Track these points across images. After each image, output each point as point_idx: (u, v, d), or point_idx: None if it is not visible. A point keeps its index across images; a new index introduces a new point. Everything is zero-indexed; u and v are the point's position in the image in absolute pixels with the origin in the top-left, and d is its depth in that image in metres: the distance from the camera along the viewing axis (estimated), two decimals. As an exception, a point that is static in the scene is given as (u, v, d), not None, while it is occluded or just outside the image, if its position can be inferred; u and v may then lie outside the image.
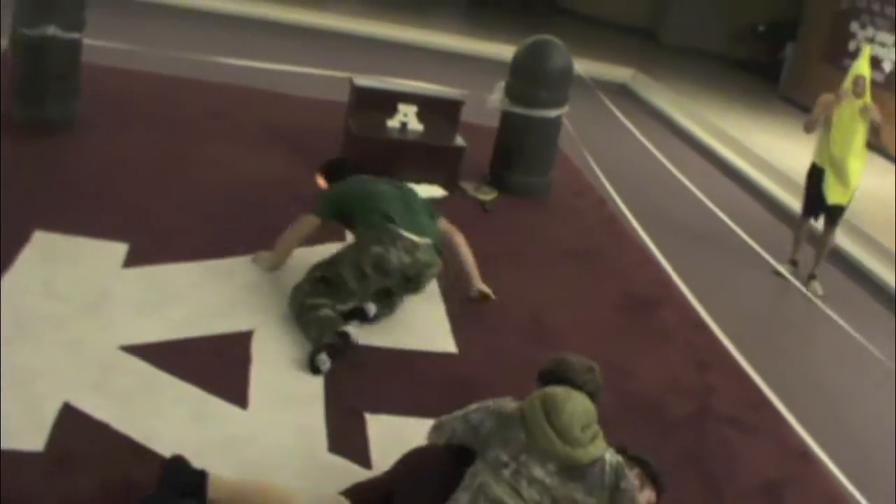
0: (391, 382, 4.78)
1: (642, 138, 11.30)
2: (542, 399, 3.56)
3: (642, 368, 5.64)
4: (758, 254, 8.45)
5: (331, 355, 4.64)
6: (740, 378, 6.03)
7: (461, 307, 5.76)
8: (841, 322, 7.57)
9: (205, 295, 5.14)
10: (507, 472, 3.36)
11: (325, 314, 4.92)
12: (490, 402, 3.73)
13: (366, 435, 4.30)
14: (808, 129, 8.66)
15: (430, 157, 7.83)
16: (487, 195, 7.97)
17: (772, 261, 8.52)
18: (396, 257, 5.12)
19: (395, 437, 4.27)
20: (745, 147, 13.01)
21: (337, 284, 5.08)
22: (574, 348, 5.55)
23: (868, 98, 8.13)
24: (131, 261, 5.33)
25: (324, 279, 5.12)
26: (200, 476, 3.41)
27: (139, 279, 5.16)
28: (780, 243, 9.31)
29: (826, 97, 8.39)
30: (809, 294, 8.16)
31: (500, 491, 3.30)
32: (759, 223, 10.37)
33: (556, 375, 3.79)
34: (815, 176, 8.49)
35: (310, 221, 5.53)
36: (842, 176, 8.24)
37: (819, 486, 5.03)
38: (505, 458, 3.41)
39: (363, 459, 4.11)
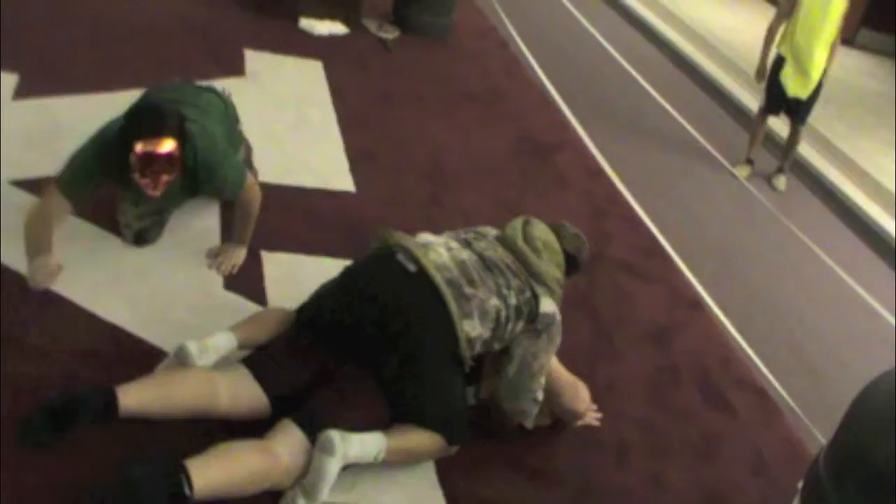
0: (287, 220, 4.76)
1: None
2: (525, 217, 3.90)
3: (539, 213, 5.62)
4: (660, 105, 8.53)
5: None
6: (636, 226, 6.15)
7: (360, 146, 5.72)
8: (739, 177, 7.74)
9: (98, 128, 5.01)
10: (466, 236, 3.77)
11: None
12: None
13: (262, 272, 4.29)
14: (774, 26, 7.92)
15: (331, -8, 7.64)
16: (389, 34, 7.86)
17: (669, 107, 8.59)
18: None
19: (290, 275, 4.29)
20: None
21: None
22: (472, 190, 5.62)
23: None
24: (21, 92, 5.16)
25: None
26: (106, 395, 3.07)
27: (29, 111, 5.01)
28: (677, 88, 9.40)
29: None
30: (739, 175, 8.14)
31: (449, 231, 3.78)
32: (663, 74, 10.44)
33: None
34: (776, 67, 7.92)
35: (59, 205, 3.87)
36: (803, 66, 7.69)
37: (706, 333, 5.20)
38: (468, 234, 3.80)
39: (258, 297, 4.11)
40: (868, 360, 5.64)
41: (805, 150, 8.76)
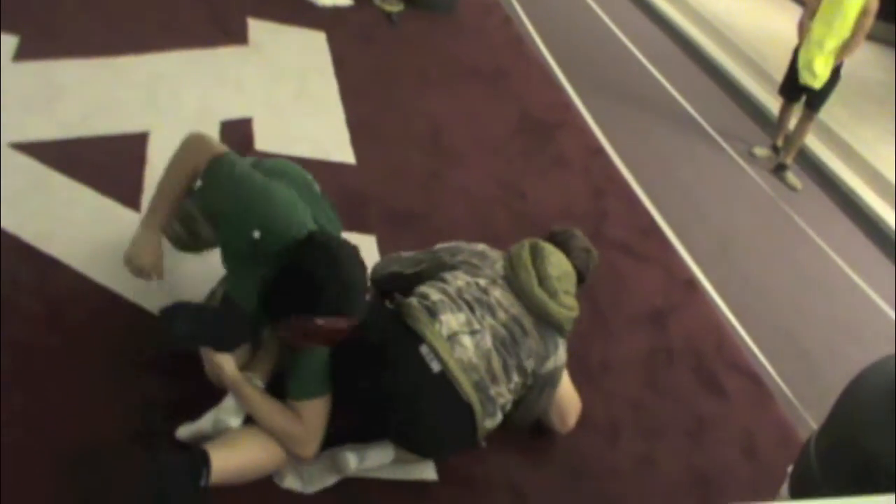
0: (288, 192, 4.75)
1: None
2: (531, 244, 3.61)
3: (538, 190, 5.70)
4: (663, 86, 8.51)
5: None
6: (634, 205, 6.15)
7: (361, 119, 5.71)
8: (738, 160, 7.74)
9: (98, 93, 4.99)
10: (479, 282, 3.46)
11: None
12: (461, 242, 3.78)
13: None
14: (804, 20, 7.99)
15: (336, -36, 7.60)
16: (394, 7, 7.81)
17: (671, 89, 8.57)
18: None
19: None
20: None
21: None
22: (473, 167, 5.61)
23: None
24: (22, 55, 5.12)
25: None
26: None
27: (30, 74, 4.97)
28: (681, 70, 9.37)
29: None
30: (757, 154, 8.19)
31: (462, 286, 3.43)
32: (667, 56, 10.42)
33: (553, 239, 3.80)
34: (796, 54, 8.04)
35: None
36: (814, 56, 7.75)
37: (702, 315, 5.22)
38: (480, 277, 3.49)
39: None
40: (861, 347, 5.68)
41: (806, 137, 8.78)
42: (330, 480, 3.16)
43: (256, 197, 3.05)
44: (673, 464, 3.98)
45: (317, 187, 3.47)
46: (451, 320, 3.26)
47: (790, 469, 2.68)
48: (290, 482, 3.11)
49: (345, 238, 3.21)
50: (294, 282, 2.88)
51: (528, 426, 3.69)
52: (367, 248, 4.22)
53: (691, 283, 5.51)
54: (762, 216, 7.27)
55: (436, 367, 3.13)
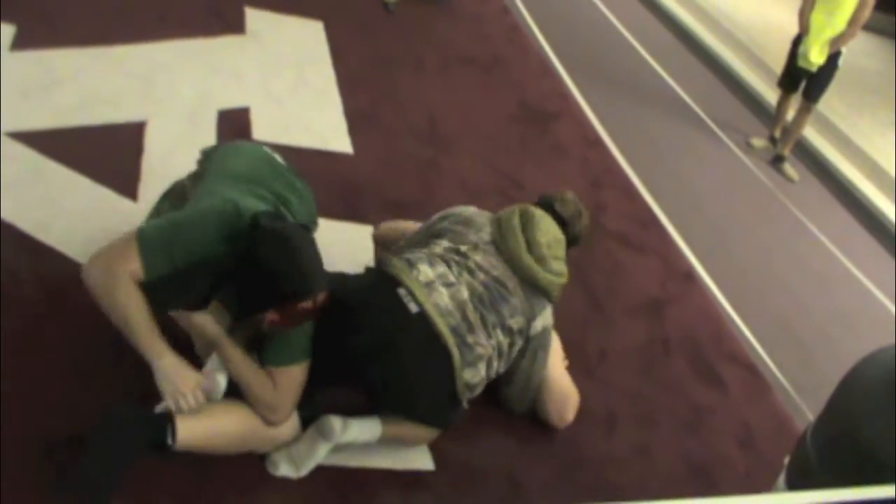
0: (285, 182, 4.74)
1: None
2: (521, 210, 3.62)
3: (535, 181, 5.69)
4: (661, 77, 8.50)
5: None
6: (632, 196, 6.15)
7: (359, 108, 5.70)
8: (736, 151, 7.73)
9: (95, 82, 4.98)
10: (460, 248, 3.48)
11: None
12: (453, 207, 3.79)
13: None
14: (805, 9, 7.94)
15: (334, -47, 7.58)
16: (391, -4, 7.82)
17: (669, 80, 8.56)
18: None
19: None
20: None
21: None
22: (470, 156, 5.61)
23: None
24: (19, 43, 5.11)
25: None
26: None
27: (27, 63, 4.96)
28: (678, 60, 9.35)
29: None
30: (754, 145, 8.21)
31: (441, 251, 3.45)
32: (665, 46, 10.40)
33: (545, 202, 3.79)
34: (796, 42, 8.02)
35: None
36: (812, 42, 7.74)
37: (699, 306, 5.22)
38: (462, 244, 3.50)
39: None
40: (858, 337, 5.69)
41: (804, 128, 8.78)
42: (320, 453, 3.14)
43: (204, 228, 3.04)
44: (669, 454, 3.98)
45: (279, 159, 3.52)
46: (428, 271, 3.32)
47: (787, 460, 2.68)
48: (285, 469, 3.11)
49: (287, 217, 3.27)
50: (254, 279, 2.94)
51: (526, 407, 3.70)
52: (364, 238, 4.21)
53: (689, 274, 5.51)
54: (760, 207, 7.26)
55: (413, 307, 3.19)
